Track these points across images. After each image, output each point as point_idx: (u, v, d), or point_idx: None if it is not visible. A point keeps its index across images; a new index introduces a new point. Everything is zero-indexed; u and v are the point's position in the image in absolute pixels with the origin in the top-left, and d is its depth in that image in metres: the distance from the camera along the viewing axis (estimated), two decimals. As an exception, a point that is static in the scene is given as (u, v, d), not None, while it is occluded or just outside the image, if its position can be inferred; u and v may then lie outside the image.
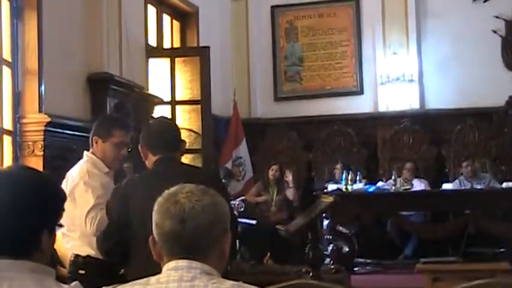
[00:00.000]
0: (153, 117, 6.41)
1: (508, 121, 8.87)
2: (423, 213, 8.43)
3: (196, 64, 7.88)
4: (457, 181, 8.28)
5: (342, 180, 7.73)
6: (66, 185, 3.41)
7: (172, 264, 1.66)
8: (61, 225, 1.81)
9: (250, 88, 9.73)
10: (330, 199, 6.36)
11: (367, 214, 7.51)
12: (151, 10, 8.03)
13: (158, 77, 7.81)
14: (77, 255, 3.42)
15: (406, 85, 9.13)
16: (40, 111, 5.41)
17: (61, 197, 1.72)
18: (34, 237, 1.61)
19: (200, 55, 7.93)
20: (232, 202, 7.13)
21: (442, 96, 9.19)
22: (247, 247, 7.19)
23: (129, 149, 3.58)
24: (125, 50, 6.56)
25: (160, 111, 7.34)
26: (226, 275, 1.72)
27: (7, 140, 5.35)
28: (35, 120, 5.38)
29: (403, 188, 7.80)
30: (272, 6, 9.85)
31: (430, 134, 9.16)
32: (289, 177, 8.46)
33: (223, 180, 7.58)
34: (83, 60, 6.07)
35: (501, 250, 7.25)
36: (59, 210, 1.70)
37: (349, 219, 7.53)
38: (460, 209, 7.80)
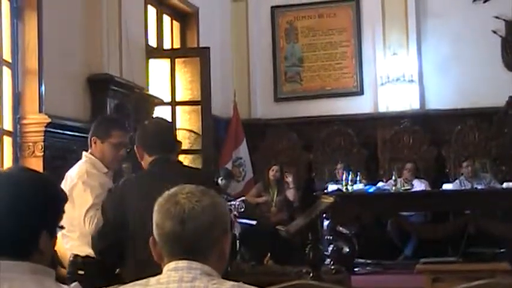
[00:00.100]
0: (150, 118, 6.40)
1: (508, 121, 8.87)
2: (423, 213, 8.43)
3: (197, 65, 7.89)
4: (457, 181, 8.28)
5: (342, 180, 7.73)
6: (65, 185, 3.41)
7: (172, 264, 1.66)
8: (62, 227, 1.80)
9: (250, 89, 9.73)
10: (330, 199, 6.36)
11: (367, 214, 7.51)
12: (152, 11, 8.03)
13: (158, 78, 7.81)
14: (76, 256, 3.42)
15: (406, 85, 9.13)
16: (40, 111, 5.41)
17: (61, 199, 1.72)
18: (34, 238, 1.61)
19: (200, 56, 7.93)
20: (232, 203, 7.15)
21: (442, 96, 9.19)
22: (247, 248, 7.20)
23: (128, 150, 3.58)
24: (125, 50, 6.56)
25: (161, 112, 7.35)
26: (226, 276, 1.72)
27: (7, 140, 5.35)
28: (35, 120, 5.38)
29: (403, 188, 7.80)
30: (272, 7, 9.85)
31: (430, 135, 9.16)
32: (289, 178, 8.47)
33: (223, 181, 7.64)
34: (83, 61, 6.08)
35: (501, 250, 7.25)
36: (59, 212, 1.70)
37: (349, 220, 7.53)
38: (460, 209, 7.80)
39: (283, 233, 6.93)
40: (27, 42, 5.43)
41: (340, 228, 7.54)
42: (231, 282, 1.66)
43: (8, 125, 5.37)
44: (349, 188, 7.53)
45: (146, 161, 3.08)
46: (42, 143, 5.33)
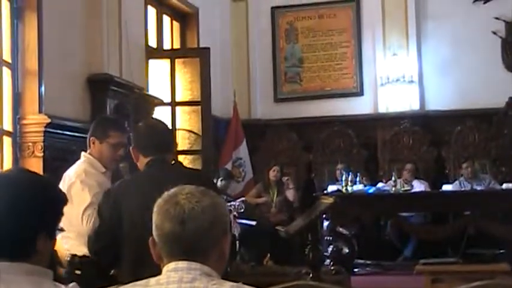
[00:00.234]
0: (145, 119, 6.40)
1: (508, 122, 8.87)
2: (423, 214, 8.43)
3: (196, 65, 7.88)
4: (457, 182, 8.28)
5: (341, 181, 7.73)
6: (63, 185, 3.43)
7: (172, 265, 1.66)
8: (62, 229, 1.81)
9: (250, 89, 9.73)
10: (330, 200, 6.37)
11: (367, 215, 7.51)
12: (151, 11, 8.03)
13: (158, 78, 7.81)
14: (73, 255, 3.43)
15: (406, 86, 9.13)
16: (40, 112, 5.41)
17: (60, 200, 1.71)
18: (32, 240, 1.61)
19: (200, 56, 7.93)
20: (232, 203, 7.14)
21: (442, 97, 9.19)
22: (247, 248, 7.19)
23: (128, 150, 3.60)
24: (125, 51, 6.56)
25: (161, 113, 7.35)
26: (226, 276, 1.72)
27: (7, 141, 5.35)
28: (35, 121, 5.38)
29: (403, 189, 7.79)
30: (272, 7, 9.85)
31: (430, 135, 9.16)
32: (287, 179, 8.48)
33: (222, 182, 7.64)
34: (83, 61, 6.08)
35: (501, 251, 7.25)
36: (58, 214, 1.70)
37: (349, 221, 7.53)
38: (460, 210, 7.80)
39: (283, 233, 6.93)
40: (27, 42, 5.43)
41: (340, 229, 7.54)
42: (231, 283, 1.66)
43: (7, 125, 5.37)
44: (349, 188, 7.52)
45: (142, 162, 3.07)
46: (42, 144, 5.33)
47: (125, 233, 2.86)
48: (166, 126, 3.38)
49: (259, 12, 9.84)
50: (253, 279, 4.32)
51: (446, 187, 8.12)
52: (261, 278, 5.06)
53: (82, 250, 3.41)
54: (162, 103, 7.48)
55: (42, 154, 5.32)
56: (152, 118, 4.54)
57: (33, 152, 5.33)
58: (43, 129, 5.34)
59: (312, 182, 9.24)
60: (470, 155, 8.72)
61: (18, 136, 5.37)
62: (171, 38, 8.63)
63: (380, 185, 8.06)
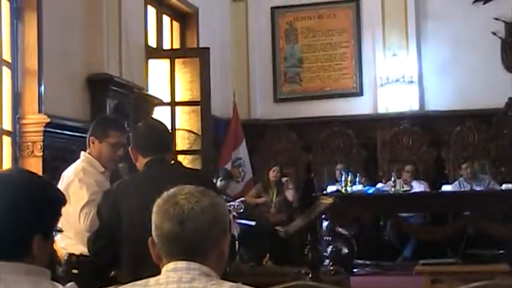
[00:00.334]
0: (143, 119, 6.40)
1: (508, 123, 8.87)
2: (423, 214, 8.43)
3: (196, 65, 7.88)
4: (456, 183, 8.28)
5: (341, 181, 7.73)
6: (61, 185, 3.45)
7: (171, 265, 1.66)
8: (61, 230, 1.80)
9: (249, 89, 9.73)
10: (330, 200, 6.37)
11: (366, 215, 7.52)
12: (151, 11, 8.03)
13: (158, 78, 7.81)
14: (70, 255, 3.43)
15: (405, 87, 9.13)
16: (40, 111, 5.41)
17: (59, 200, 1.71)
18: (30, 240, 1.61)
19: (200, 56, 7.93)
20: (231, 203, 7.14)
21: (441, 97, 9.19)
22: (246, 248, 7.19)
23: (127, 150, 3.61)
24: (125, 50, 6.56)
25: (160, 112, 7.35)
26: (225, 276, 1.72)
27: (6, 140, 5.35)
28: (35, 120, 5.38)
29: (402, 189, 7.79)
30: (272, 8, 9.85)
31: (430, 136, 9.16)
32: (286, 179, 8.48)
33: (222, 182, 7.64)
34: (82, 61, 6.07)
35: (500, 252, 7.26)
36: (57, 214, 1.70)
37: (348, 221, 7.53)
38: (460, 211, 7.80)
39: (283, 233, 6.94)
40: (26, 42, 5.43)
41: (339, 229, 7.54)
42: (230, 283, 1.66)
43: (7, 125, 5.37)
44: (348, 189, 7.52)
45: (141, 162, 3.07)
46: (42, 143, 5.33)
47: (124, 233, 2.86)
48: (165, 126, 3.38)
49: (259, 12, 9.84)
50: (253, 279, 4.32)
51: (446, 187, 8.12)
52: (260, 278, 5.06)
53: (79, 249, 3.42)
54: (161, 103, 7.48)
55: (41, 154, 5.32)
56: (151, 118, 4.54)
57: (32, 151, 5.33)
58: (42, 128, 5.35)
59: (311, 182, 9.24)
60: (470, 155, 8.72)
61: (17, 136, 5.37)
62: (170, 38, 8.63)
63: (379, 185, 8.06)
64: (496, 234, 7.11)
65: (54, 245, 2.81)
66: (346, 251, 7.38)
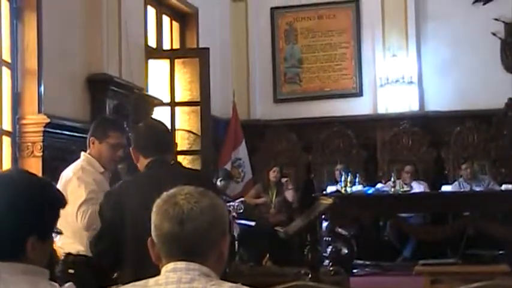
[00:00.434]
0: (144, 120, 6.40)
1: (508, 123, 8.87)
2: (422, 215, 8.43)
3: (196, 65, 7.88)
4: (456, 183, 8.28)
5: (341, 181, 7.73)
6: (60, 184, 3.46)
7: (170, 266, 1.66)
8: (60, 232, 1.80)
9: (249, 89, 9.73)
10: (329, 201, 6.37)
11: (366, 216, 7.52)
12: (151, 11, 8.02)
13: (158, 78, 7.81)
14: (67, 254, 3.44)
15: (405, 87, 9.13)
16: (39, 112, 5.40)
17: (58, 201, 1.70)
18: (22, 241, 1.60)
19: (200, 56, 7.93)
20: (231, 204, 7.14)
21: (441, 98, 9.19)
22: (246, 249, 7.19)
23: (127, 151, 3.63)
24: (125, 51, 6.56)
25: (160, 113, 7.34)
26: (224, 277, 1.72)
27: (6, 140, 5.35)
28: (34, 121, 5.38)
29: (402, 190, 7.79)
30: (272, 8, 9.84)
31: (430, 136, 9.16)
32: (286, 180, 8.48)
33: (222, 182, 7.64)
34: (82, 61, 6.07)
35: (500, 252, 7.27)
36: (55, 216, 1.69)
37: (348, 221, 7.53)
38: (459, 211, 7.79)
39: (282, 234, 6.94)
40: (26, 42, 5.43)
41: (339, 230, 7.54)
42: (230, 284, 1.65)
43: (7, 125, 5.37)
44: (348, 189, 7.52)
45: (142, 163, 3.07)
46: (41, 143, 5.33)
47: (126, 233, 2.86)
48: (166, 126, 3.38)
49: (258, 12, 9.84)
50: (252, 279, 4.32)
51: (446, 188, 8.12)
52: (259, 278, 5.05)
53: (76, 248, 3.44)
54: (161, 103, 7.48)
55: (41, 154, 5.32)
56: (152, 119, 4.54)
57: (32, 152, 5.33)
58: (42, 129, 5.34)
59: (311, 183, 9.24)
60: (470, 155, 8.72)
61: (17, 136, 5.37)
62: (170, 38, 8.63)
63: (379, 185, 8.06)
64: (495, 235, 7.11)
65: (54, 245, 2.81)
66: (346, 251, 7.38)
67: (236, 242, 6.74)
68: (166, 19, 8.53)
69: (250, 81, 9.74)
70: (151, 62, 7.65)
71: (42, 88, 5.44)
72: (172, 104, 7.81)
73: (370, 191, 7.64)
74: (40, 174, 4.48)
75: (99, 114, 5.89)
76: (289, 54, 9.83)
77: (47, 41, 5.52)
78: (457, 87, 9.10)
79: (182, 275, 1.63)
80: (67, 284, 1.69)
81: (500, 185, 7.81)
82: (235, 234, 6.84)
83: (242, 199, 7.78)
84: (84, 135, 3.76)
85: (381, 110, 9.33)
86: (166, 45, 8.47)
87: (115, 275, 3.21)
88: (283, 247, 7.22)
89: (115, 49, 6.39)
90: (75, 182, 3.49)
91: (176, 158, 7.45)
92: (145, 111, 6.76)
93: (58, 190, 1.75)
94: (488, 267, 5.90)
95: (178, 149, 7.73)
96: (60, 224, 2.91)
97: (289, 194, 8.43)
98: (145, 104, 6.89)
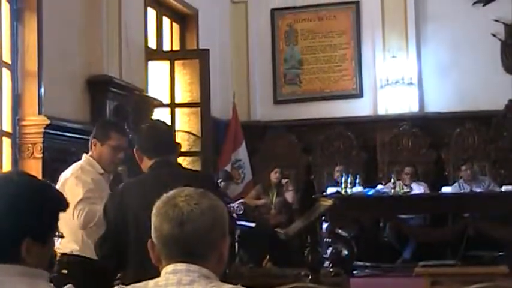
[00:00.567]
0: (148, 121, 6.41)
1: (507, 124, 8.87)
2: (422, 216, 8.43)
3: (196, 67, 7.88)
4: (456, 184, 8.27)
5: (341, 183, 7.73)
6: (58, 185, 3.49)
7: (170, 267, 1.66)
8: (62, 236, 1.80)
9: (249, 91, 9.74)
10: (329, 202, 6.37)
11: (366, 217, 7.52)
12: (151, 13, 8.03)
13: (158, 80, 7.81)
14: (62, 254, 3.46)
15: (405, 88, 9.13)
16: (39, 113, 5.40)
17: (58, 204, 1.70)
18: (20, 243, 1.60)
19: (200, 58, 7.93)
20: (231, 205, 7.15)
21: (441, 99, 9.19)
22: (246, 250, 7.19)
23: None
24: (125, 52, 6.56)
25: (160, 114, 7.34)
26: (224, 278, 1.72)
27: (6, 142, 5.35)
28: (34, 122, 5.38)
29: (402, 191, 7.79)
30: (272, 9, 9.85)
31: (430, 137, 9.16)
32: (286, 181, 8.48)
33: (222, 183, 7.64)
34: (82, 63, 6.07)
35: (500, 254, 7.27)
36: (55, 218, 1.69)
37: (348, 223, 7.53)
38: (459, 213, 7.80)
39: (282, 235, 6.93)
40: (26, 44, 5.43)
41: (339, 231, 7.54)
42: (230, 285, 1.66)
43: (7, 127, 5.37)
44: (348, 190, 7.52)
45: (146, 164, 3.07)
46: (41, 145, 5.33)
47: (129, 234, 2.86)
48: (170, 127, 3.39)
49: (258, 14, 9.85)
50: (252, 281, 4.33)
51: (446, 189, 8.13)
52: (260, 279, 5.06)
53: (71, 247, 3.46)
54: (161, 104, 7.48)
55: (41, 155, 5.32)
56: (156, 120, 4.54)
57: (32, 153, 5.33)
58: (42, 130, 5.34)
59: (311, 184, 9.24)
60: (470, 157, 8.72)
61: (17, 137, 5.37)
62: (170, 40, 8.63)
63: (379, 187, 8.07)
64: (495, 236, 7.12)
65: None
66: (346, 252, 7.38)
67: (236, 243, 6.73)
68: (166, 20, 8.53)
69: (250, 83, 9.74)
70: (151, 63, 7.65)
71: (42, 89, 5.44)
72: (173, 105, 7.81)
73: (370, 192, 7.65)
74: (40, 176, 4.49)
75: (99, 115, 5.89)
76: (289, 55, 9.83)
77: (47, 43, 5.52)
78: (457, 89, 9.10)
79: (182, 276, 1.63)
80: (66, 286, 1.69)
81: (500, 186, 7.82)
82: (236, 235, 6.84)
83: (242, 200, 7.79)
84: (84, 137, 3.79)
85: (381, 111, 9.33)
86: (166, 47, 8.47)
87: (118, 275, 3.22)
88: (283, 248, 7.22)
89: (115, 50, 6.40)
90: (73, 181, 3.54)
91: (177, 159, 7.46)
92: (145, 112, 6.76)
93: (59, 192, 1.74)
94: (488, 268, 5.90)
95: (179, 150, 7.73)
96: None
97: (289, 195, 8.43)
98: (145, 105, 6.89)
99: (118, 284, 3.03)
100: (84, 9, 6.09)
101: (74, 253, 3.51)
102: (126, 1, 6.63)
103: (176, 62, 7.88)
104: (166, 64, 7.85)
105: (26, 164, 5.29)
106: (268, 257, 7.11)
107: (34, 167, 5.20)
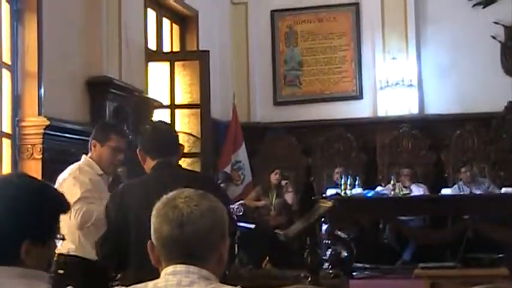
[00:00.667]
0: (151, 121, 6.41)
1: (507, 126, 8.88)
2: (422, 218, 8.43)
3: (196, 68, 7.88)
4: (456, 186, 8.27)
5: (340, 184, 7.73)
6: (56, 185, 3.50)
7: (170, 269, 1.66)
8: (63, 238, 1.79)
9: (249, 92, 9.74)
10: (329, 204, 6.36)
11: (365, 219, 7.53)
12: (151, 14, 8.03)
13: (157, 81, 7.81)
14: (59, 254, 3.46)
15: (405, 90, 9.13)
16: (39, 114, 5.41)
17: (58, 206, 1.69)
18: (19, 245, 1.59)
19: (200, 59, 7.93)
20: (231, 206, 7.14)
21: (441, 101, 9.20)
22: (245, 251, 7.19)
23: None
24: (125, 53, 6.56)
25: (160, 115, 7.34)
26: (224, 280, 1.72)
27: (6, 143, 5.35)
28: (34, 123, 5.38)
29: (402, 193, 7.79)
30: (272, 11, 9.85)
31: (429, 139, 9.16)
32: (285, 182, 8.48)
33: (222, 184, 7.64)
34: (82, 64, 6.07)
35: (500, 255, 7.26)
36: (55, 220, 1.68)
37: (347, 224, 7.54)
38: (459, 214, 7.80)
39: (282, 236, 6.93)
40: (26, 44, 5.43)
41: (339, 233, 7.54)
42: (229, 287, 1.66)
43: (6, 128, 5.37)
44: (348, 192, 7.52)
45: (149, 165, 3.07)
46: (41, 146, 5.33)
47: (130, 235, 2.86)
48: (173, 128, 3.40)
49: (258, 15, 9.85)
50: (252, 282, 4.33)
51: (445, 191, 8.13)
52: (259, 281, 5.06)
53: (67, 246, 3.47)
54: (161, 106, 7.48)
55: (41, 156, 5.32)
56: (159, 120, 4.55)
57: (32, 154, 5.33)
58: (42, 131, 5.34)
59: (311, 186, 9.24)
60: (469, 159, 8.71)
61: (17, 138, 5.37)
62: (170, 41, 8.63)
63: (379, 188, 8.07)
64: (495, 238, 7.11)
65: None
66: (346, 254, 7.38)
67: (236, 245, 6.73)
68: (166, 22, 8.53)
69: (250, 84, 9.74)
70: (151, 64, 7.66)
71: (42, 90, 5.44)
72: (172, 106, 7.81)
73: (370, 194, 7.65)
74: (40, 177, 4.49)
75: (99, 116, 5.89)
76: (289, 56, 9.83)
77: (47, 44, 5.52)
78: (457, 90, 9.10)
79: (182, 278, 1.63)
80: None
81: (500, 188, 7.82)
82: (235, 236, 6.84)
83: (242, 202, 7.79)
84: (84, 138, 3.79)
85: (381, 112, 9.33)
86: (166, 48, 8.48)
87: (118, 276, 3.22)
88: (283, 250, 7.22)
89: (115, 51, 6.40)
90: (71, 180, 3.57)
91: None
92: (145, 113, 6.76)
93: (60, 194, 1.74)
94: (487, 270, 5.91)
95: (178, 151, 7.71)
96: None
97: (288, 197, 8.43)
98: (145, 107, 6.89)
99: (117, 285, 3.03)
100: (84, 10, 6.10)
101: (71, 253, 3.52)
102: (126, 2, 6.64)
103: (176, 63, 7.88)
104: (166, 65, 7.85)
105: (25, 165, 5.29)
106: (267, 258, 7.11)
107: (34, 168, 5.20)
